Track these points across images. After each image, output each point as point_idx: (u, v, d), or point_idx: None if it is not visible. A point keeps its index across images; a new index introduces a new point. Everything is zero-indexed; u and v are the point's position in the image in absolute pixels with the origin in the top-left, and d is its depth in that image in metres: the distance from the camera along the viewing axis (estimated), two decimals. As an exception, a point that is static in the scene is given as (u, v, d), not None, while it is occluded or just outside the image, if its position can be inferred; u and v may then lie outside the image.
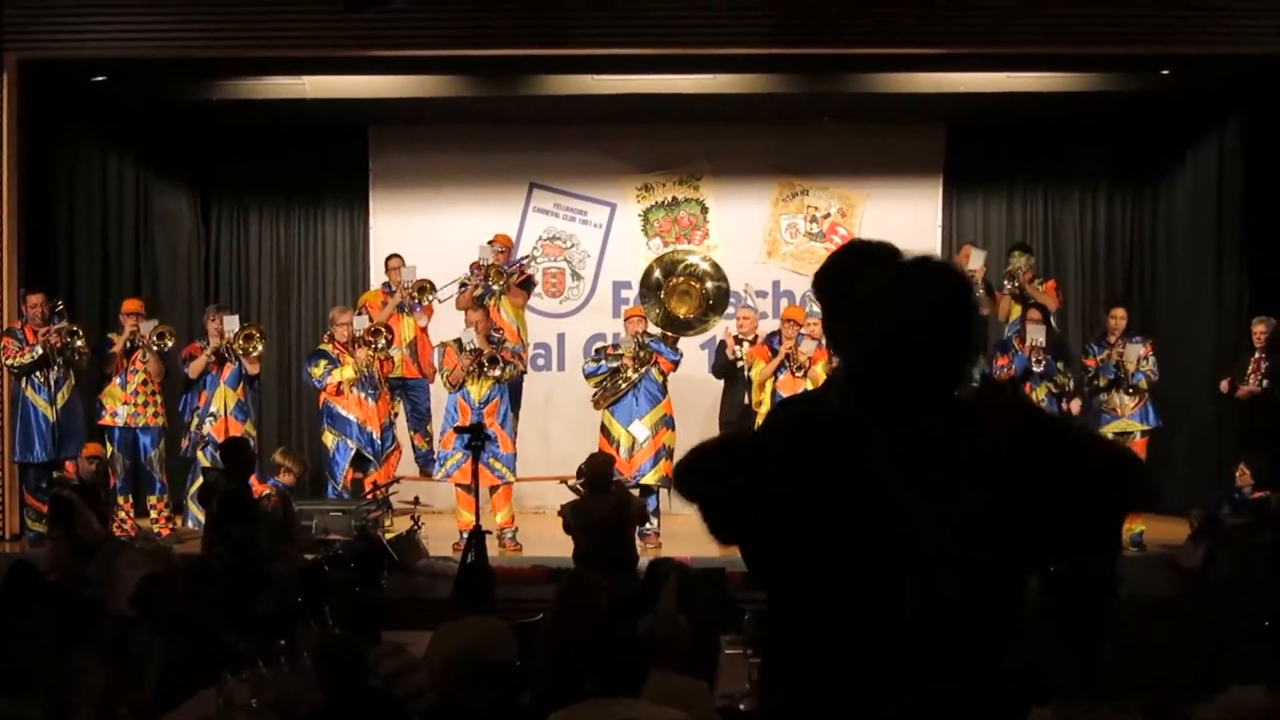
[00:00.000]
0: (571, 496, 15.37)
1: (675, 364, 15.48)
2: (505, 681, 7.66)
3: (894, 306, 3.55)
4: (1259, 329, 15.07)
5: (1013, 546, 3.43)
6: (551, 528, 15.40)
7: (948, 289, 3.57)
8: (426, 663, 7.82)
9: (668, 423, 15.32)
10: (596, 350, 15.91)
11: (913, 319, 3.51)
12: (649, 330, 15.52)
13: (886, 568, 3.43)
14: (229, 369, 15.58)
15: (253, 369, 15.71)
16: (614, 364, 15.28)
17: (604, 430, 15.32)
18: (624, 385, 15.18)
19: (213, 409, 15.50)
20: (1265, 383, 14.92)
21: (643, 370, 15.18)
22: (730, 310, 16.43)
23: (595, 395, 15.40)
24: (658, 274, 16.17)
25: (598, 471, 13.03)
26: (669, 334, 15.73)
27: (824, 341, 14.90)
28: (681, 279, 16.24)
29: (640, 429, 15.11)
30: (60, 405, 14.84)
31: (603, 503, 12.56)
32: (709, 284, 16.23)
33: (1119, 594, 11.63)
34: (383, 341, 15.60)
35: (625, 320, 15.73)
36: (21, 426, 14.80)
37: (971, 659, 3.41)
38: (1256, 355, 15.06)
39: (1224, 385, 15.31)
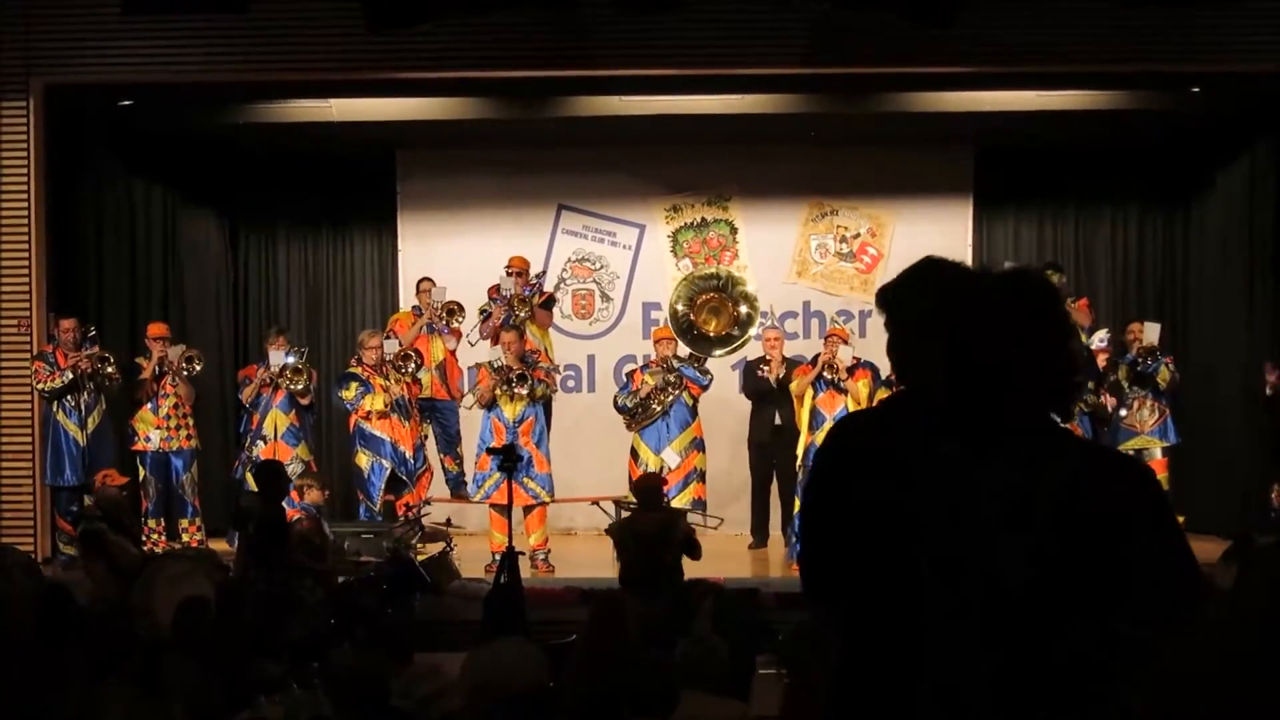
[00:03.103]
0: (604, 517, 15.39)
1: (704, 388, 15.49)
2: (538, 705, 7.61)
3: (977, 319, 3.43)
4: None
5: (1072, 587, 3.33)
6: (583, 549, 15.43)
7: (1029, 305, 3.43)
8: (460, 685, 7.78)
9: (698, 445, 15.35)
10: (627, 374, 15.87)
11: (993, 333, 3.40)
12: (678, 354, 15.51)
13: (938, 586, 3.35)
14: (281, 394, 15.59)
15: (303, 401, 15.74)
16: (636, 399, 15.27)
17: (633, 453, 15.36)
18: (657, 408, 15.17)
19: (264, 432, 15.52)
20: None
21: (675, 395, 15.16)
22: (756, 331, 16.46)
23: (628, 418, 15.39)
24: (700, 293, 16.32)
25: (647, 490, 12.97)
26: (696, 354, 15.72)
27: (862, 359, 14.90)
28: (715, 295, 16.26)
29: (671, 455, 15.11)
30: (91, 430, 14.86)
31: (650, 521, 12.49)
32: (742, 308, 16.24)
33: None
34: (413, 365, 15.60)
35: (655, 343, 15.75)
36: (52, 450, 14.83)
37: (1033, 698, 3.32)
38: None
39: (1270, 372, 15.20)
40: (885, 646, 3.49)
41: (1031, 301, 3.43)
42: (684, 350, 15.74)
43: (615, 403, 15.59)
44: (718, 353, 16.34)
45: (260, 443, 15.51)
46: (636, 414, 15.29)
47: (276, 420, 15.60)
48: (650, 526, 12.38)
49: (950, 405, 3.47)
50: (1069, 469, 3.32)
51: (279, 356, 15.70)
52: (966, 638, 3.30)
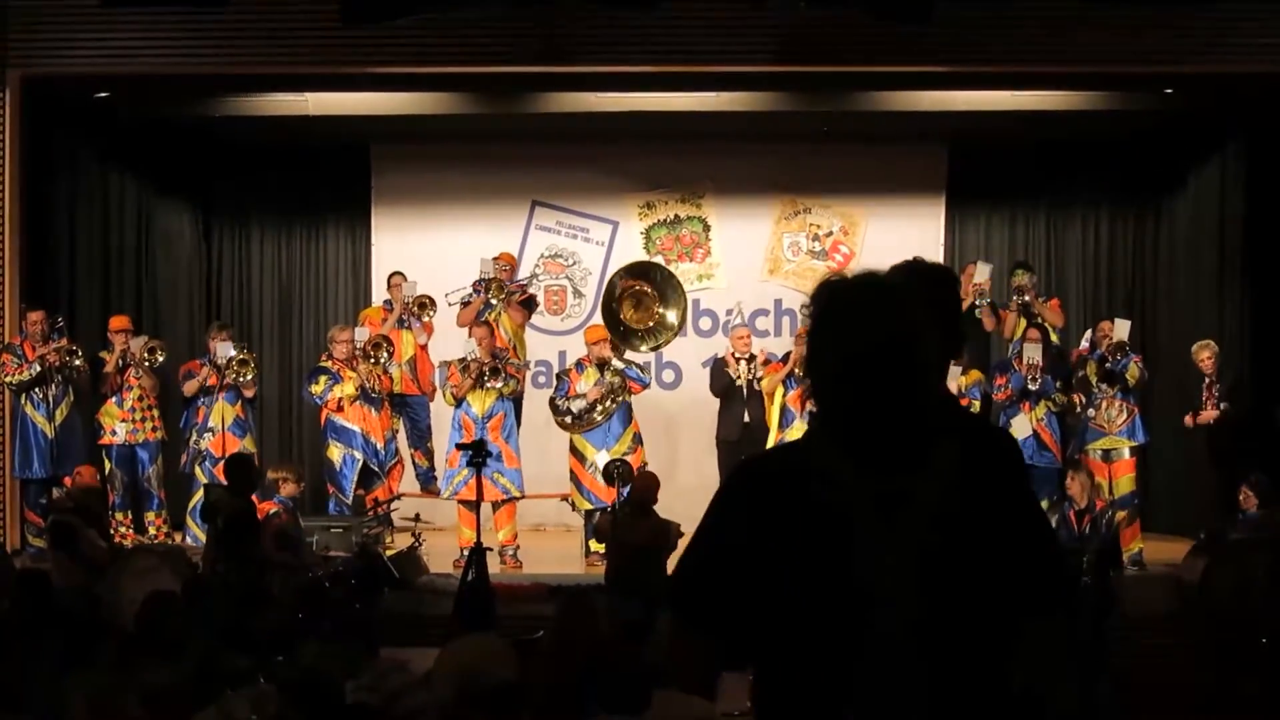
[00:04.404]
0: (573, 513, 15.36)
1: (646, 386, 15.53)
2: (506, 701, 7.63)
3: (822, 333, 3.41)
4: (1205, 356, 15.10)
5: (974, 588, 3.34)
6: (553, 544, 15.43)
7: (867, 312, 3.37)
8: (430, 681, 7.81)
9: (638, 440, 15.35)
10: (559, 377, 15.77)
11: (837, 344, 3.37)
12: (617, 355, 15.45)
13: (840, 615, 3.33)
14: (227, 386, 15.54)
15: (248, 392, 15.69)
16: (582, 404, 15.18)
17: (575, 451, 15.32)
18: (600, 417, 15.12)
19: (211, 424, 15.46)
20: (1222, 405, 15.00)
21: (619, 400, 15.14)
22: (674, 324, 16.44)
23: (568, 421, 15.29)
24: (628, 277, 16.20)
25: (644, 492, 12.91)
26: (619, 345, 15.62)
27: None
28: (640, 282, 16.12)
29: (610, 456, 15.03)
30: (59, 422, 14.84)
31: (644, 528, 12.46)
32: (670, 312, 16.06)
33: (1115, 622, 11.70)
34: (384, 354, 15.59)
35: (590, 343, 15.54)
36: (21, 443, 14.80)
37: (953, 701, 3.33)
38: (1207, 380, 15.09)
39: (1188, 420, 15.34)
40: (799, 673, 3.48)
41: (867, 302, 3.40)
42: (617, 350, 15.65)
43: (554, 405, 15.44)
44: (643, 349, 16.14)
45: (208, 435, 15.47)
46: (581, 418, 15.21)
47: (224, 412, 15.52)
48: (646, 535, 12.35)
49: (820, 414, 3.48)
50: (945, 470, 3.35)
51: (227, 349, 15.64)
52: (880, 655, 3.30)
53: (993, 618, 3.33)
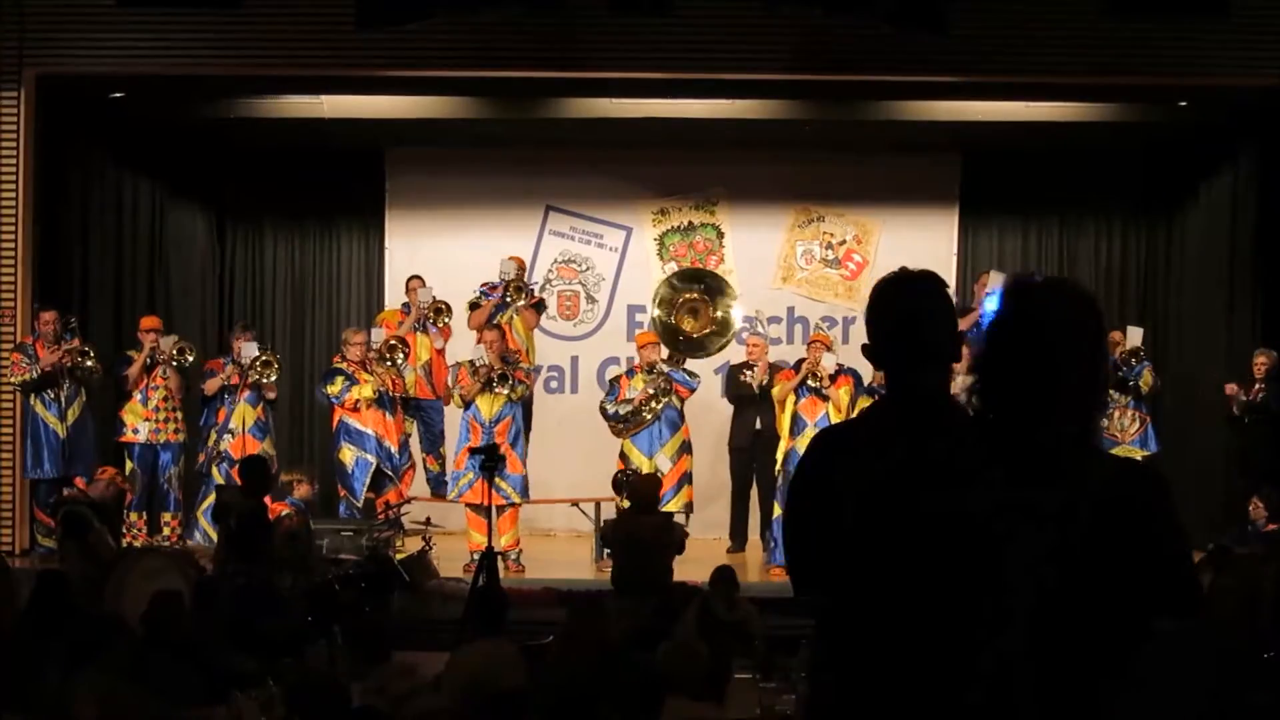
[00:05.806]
0: (583, 518, 15.37)
1: (693, 391, 15.48)
2: (515, 706, 7.63)
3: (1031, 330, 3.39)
4: (1261, 360, 15.09)
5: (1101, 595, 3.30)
6: (561, 550, 15.44)
7: (1083, 319, 3.41)
8: (439, 686, 7.81)
9: (686, 448, 15.34)
10: (611, 380, 15.82)
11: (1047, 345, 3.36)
12: (665, 358, 15.45)
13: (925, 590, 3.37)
14: (248, 388, 15.57)
15: (269, 394, 15.73)
16: (628, 407, 15.19)
17: (623, 457, 15.27)
18: (649, 416, 15.13)
19: (231, 425, 15.49)
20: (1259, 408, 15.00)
21: (665, 402, 15.13)
22: (741, 333, 16.44)
23: (618, 425, 15.32)
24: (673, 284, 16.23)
25: (645, 492, 12.94)
26: (676, 354, 15.64)
27: (844, 365, 14.89)
28: (697, 295, 16.18)
29: (664, 460, 15.05)
30: (71, 422, 14.84)
31: (647, 524, 12.48)
32: (719, 312, 16.11)
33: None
34: (400, 356, 15.61)
35: (640, 347, 15.66)
36: (31, 443, 14.81)
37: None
38: (1256, 386, 15.07)
39: (1230, 388, 15.29)
40: (872, 648, 3.49)
41: (1083, 315, 3.42)
42: (663, 351, 15.67)
43: (604, 410, 15.43)
44: (696, 355, 16.19)
45: (228, 436, 15.50)
46: (629, 421, 15.22)
47: (245, 414, 15.58)
48: (648, 530, 12.37)
49: (989, 417, 3.46)
50: (1098, 483, 3.32)
51: (251, 349, 15.69)
52: (1008, 647, 3.29)
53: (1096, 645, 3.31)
